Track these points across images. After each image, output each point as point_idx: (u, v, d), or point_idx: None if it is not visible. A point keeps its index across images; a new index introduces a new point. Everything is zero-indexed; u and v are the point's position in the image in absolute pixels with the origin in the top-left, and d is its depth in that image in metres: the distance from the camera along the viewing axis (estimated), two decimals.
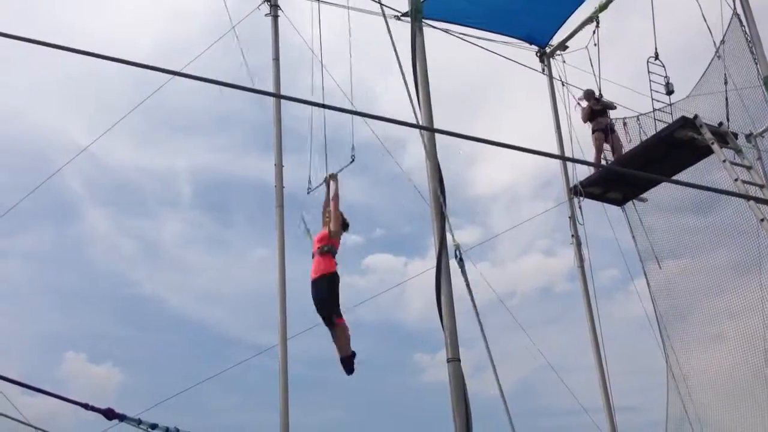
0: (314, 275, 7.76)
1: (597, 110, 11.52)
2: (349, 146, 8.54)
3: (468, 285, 5.91)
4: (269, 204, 9.85)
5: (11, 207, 9.90)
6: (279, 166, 9.99)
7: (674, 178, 10.45)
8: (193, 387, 10.05)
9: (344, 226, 8.19)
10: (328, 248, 7.85)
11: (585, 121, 11.68)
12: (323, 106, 4.12)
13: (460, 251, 5.99)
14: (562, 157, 11.44)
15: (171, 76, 9.87)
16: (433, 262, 5.88)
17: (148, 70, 3.73)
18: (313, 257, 7.90)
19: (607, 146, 11.38)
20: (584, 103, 11.72)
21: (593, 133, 11.43)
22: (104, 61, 3.58)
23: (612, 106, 11.55)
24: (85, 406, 4.56)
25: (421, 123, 6.27)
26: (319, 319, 7.61)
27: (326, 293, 7.64)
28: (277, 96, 9.74)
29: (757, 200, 8.43)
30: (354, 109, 6.81)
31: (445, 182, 6.14)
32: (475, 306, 5.89)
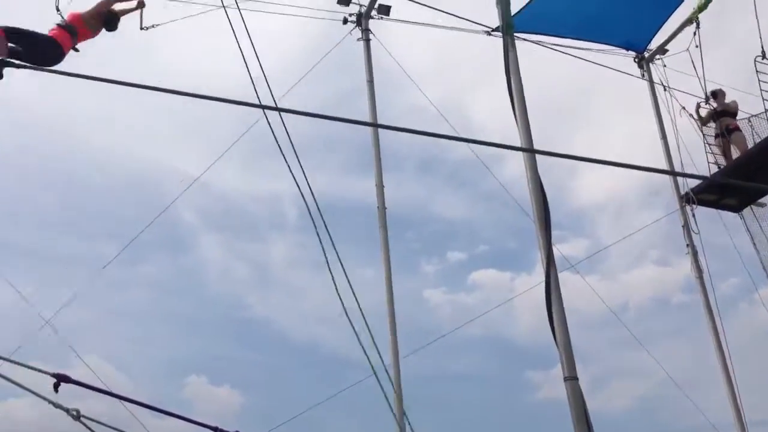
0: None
1: (719, 112, 11.07)
2: None
3: None
4: (373, 224, 9.95)
5: (133, 238, 10.46)
6: (380, 187, 10.08)
7: None
8: (310, 409, 10.23)
9: (107, 22, 7.42)
10: (67, 26, 7.00)
11: (705, 123, 11.22)
12: (422, 133, 4.14)
13: None
14: (669, 172, 10.97)
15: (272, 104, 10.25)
16: (540, 277, 5.78)
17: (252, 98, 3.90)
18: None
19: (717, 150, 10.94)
20: (707, 104, 11.26)
21: (716, 137, 10.97)
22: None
23: (734, 109, 11.06)
24: (215, 429, 4.68)
25: (520, 142, 6.20)
26: None
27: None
28: (374, 125, 9.85)
29: None
30: (454, 135, 6.83)
31: (547, 196, 6.06)
32: None
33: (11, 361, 4.94)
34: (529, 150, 6.02)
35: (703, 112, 11.33)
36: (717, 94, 11.19)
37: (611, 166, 4.47)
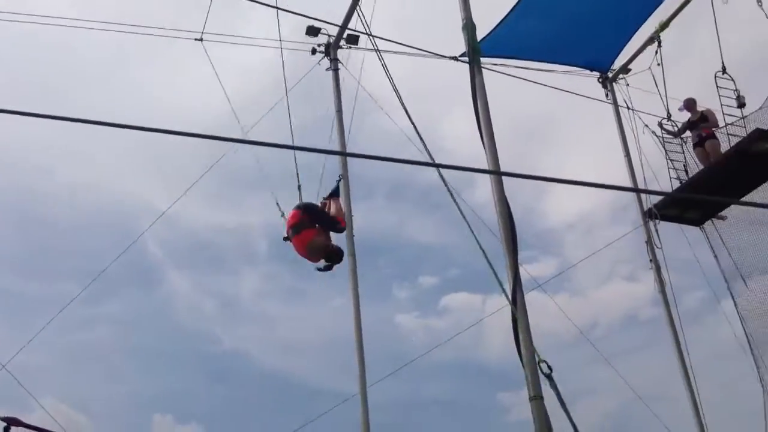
0: (303, 251, 8.12)
1: (693, 121, 11.28)
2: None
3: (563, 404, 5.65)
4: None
5: (100, 272, 10.41)
6: (348, 215, 10.18)
7: (756, 191, 10.22)
8: None
9: (328, 255, 8.24)
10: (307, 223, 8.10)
11: (682, 134, 11.38)
12: (390, 159, 4.28)
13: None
14: (630, 189, 11.19)
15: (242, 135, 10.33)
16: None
17: (221, 131, 4.00)
18: (287, 240, 8.16)
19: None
20: (669, 122, 11.48)
21: (695, 147, 11.09)
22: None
23: (708, 116, 11.14)
24: None
25: (487, 164, 6.37)
26: None
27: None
28: (343, 154, 9.97)
29: None
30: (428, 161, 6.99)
31: (515, 218, 6.22)
32: None
33: None
34: (495, 172, 6.18)
35: (669, 128, 11.53)
36: (690, 104, 11.32)
37: (574, 185, 4.61)
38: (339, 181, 9.20)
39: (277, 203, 8.64)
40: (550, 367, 5.57)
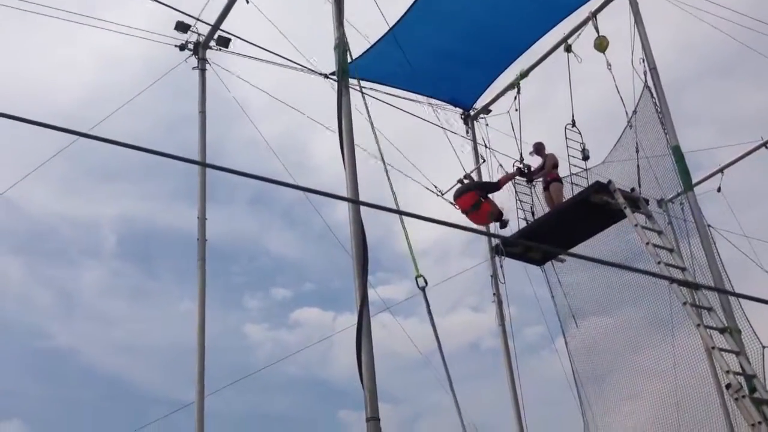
0: (485, 221, 10.81)
1: (540, 166, 11.56)
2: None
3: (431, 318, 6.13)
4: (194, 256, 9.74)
5: None
6: (202, 219, 9.94)
7: (592, 239, 10.87)
8: None
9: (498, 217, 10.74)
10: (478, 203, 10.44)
11: (534, 178, 11.57)
12: (256, 177, 4.14)
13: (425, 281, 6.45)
14: (478, 231, 11.53)
15: (96, 124, 9.78)
16: None
17: (76, 116, 3.74)
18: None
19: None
20: (521, 164, 11.65)
21: (544, 190, 11.31)
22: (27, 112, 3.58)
23: (553, 160, 11.41)
24: None
25: (346, 187, 6.40)
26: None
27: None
28: (203, 165, 9.68)
29: (679, 282, 8.75)
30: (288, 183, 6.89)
31: (372, 238, 6.28)
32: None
33: None
34: (352, 200, 6.23)
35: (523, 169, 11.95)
36: (539, 148, 11.58)
37: (429, 222, 4.68)
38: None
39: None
40: (425, 281, 6.46)
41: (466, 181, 11.16)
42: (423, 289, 6.46)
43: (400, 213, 5.42)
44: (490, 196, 10.76)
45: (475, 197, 10.49)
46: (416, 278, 6.41)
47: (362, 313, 5.91)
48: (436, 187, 11.29)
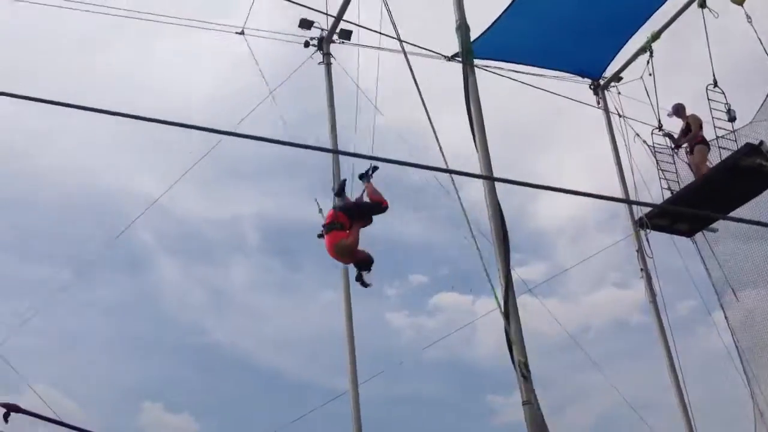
0: (331, 252, 7.82)
1: (684, 129, 11.07)
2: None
3: None
4: None
5: (91, 260, 10.34)
6: None
7: (745, 206, 10.17)
8: None
9: (357, 262, 7.96)
10: (338, 224, 7.80)
11: (680, 143, 11.04)
12: (383, 159, 4.14)
13: None
14: (619, 199, 11.04)
15: (231, 129, 10.17)
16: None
17: (208, 122, 3.87)
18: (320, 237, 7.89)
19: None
20: (660, 131, 11.25)
21: (688, 154, 10.82)
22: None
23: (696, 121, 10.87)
24: None
25: (479, 167, 6.28)
26: None
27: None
28: (334, 151, 9.86)
29: None
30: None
31: (507, 221, 6.14)
32: None
33: None
34: (488, 177, 6.11)
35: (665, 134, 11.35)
36: (679, 109, 11.11)
37: (565, 193, 4.52)
38: (373, 170, 8.45)
39: (316, 200, 8.47)
40: (528, 369, 5.49)
41: None
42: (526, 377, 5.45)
43: (538, 187, 5.22)
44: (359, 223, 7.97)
45: (332, 216, 7.95)
46: (519, 365, 5.47)
47: (508, 298, 5.80)
48: None
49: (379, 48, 10.15)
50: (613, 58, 12.32)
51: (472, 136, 6.71)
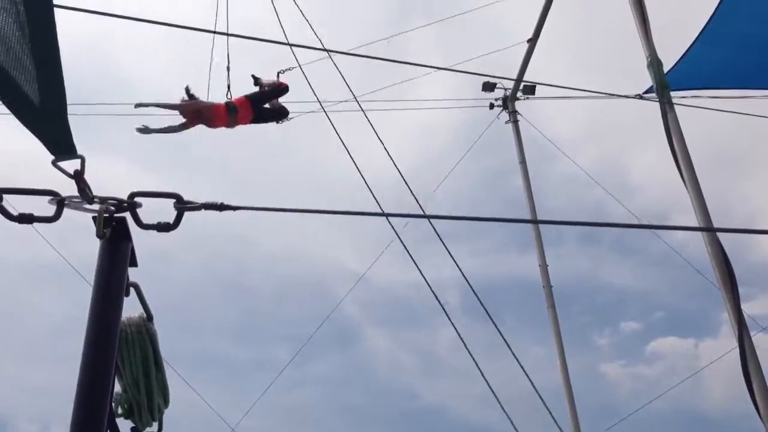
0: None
1: None
2: None
3: None
4: (538, 301, 9.96)
5: (306, 340, 11.05)
6: (543, 267, 10.09)
7: None
8: None
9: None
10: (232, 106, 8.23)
11: None
12: (590, 224, 4.20)
13: None
14: None
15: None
16: (727, 340, 5.56)
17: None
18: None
19: None
20: None
21: None
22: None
23: None
24: None
25: (692, 206, 6.03)
26: None
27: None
28: (534, 222, 9.93)
29: None
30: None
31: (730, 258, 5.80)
32: None
33: None
34: (709, 229, 5.80)
35: None
36: None
37: None
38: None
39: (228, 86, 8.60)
40: None
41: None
42: None
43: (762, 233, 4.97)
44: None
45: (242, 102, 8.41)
46: None
47: (742, 334, 5.48)
48: None
49: (566, 98, 10.18)
50: None
51: (680, 175, 6.47)
